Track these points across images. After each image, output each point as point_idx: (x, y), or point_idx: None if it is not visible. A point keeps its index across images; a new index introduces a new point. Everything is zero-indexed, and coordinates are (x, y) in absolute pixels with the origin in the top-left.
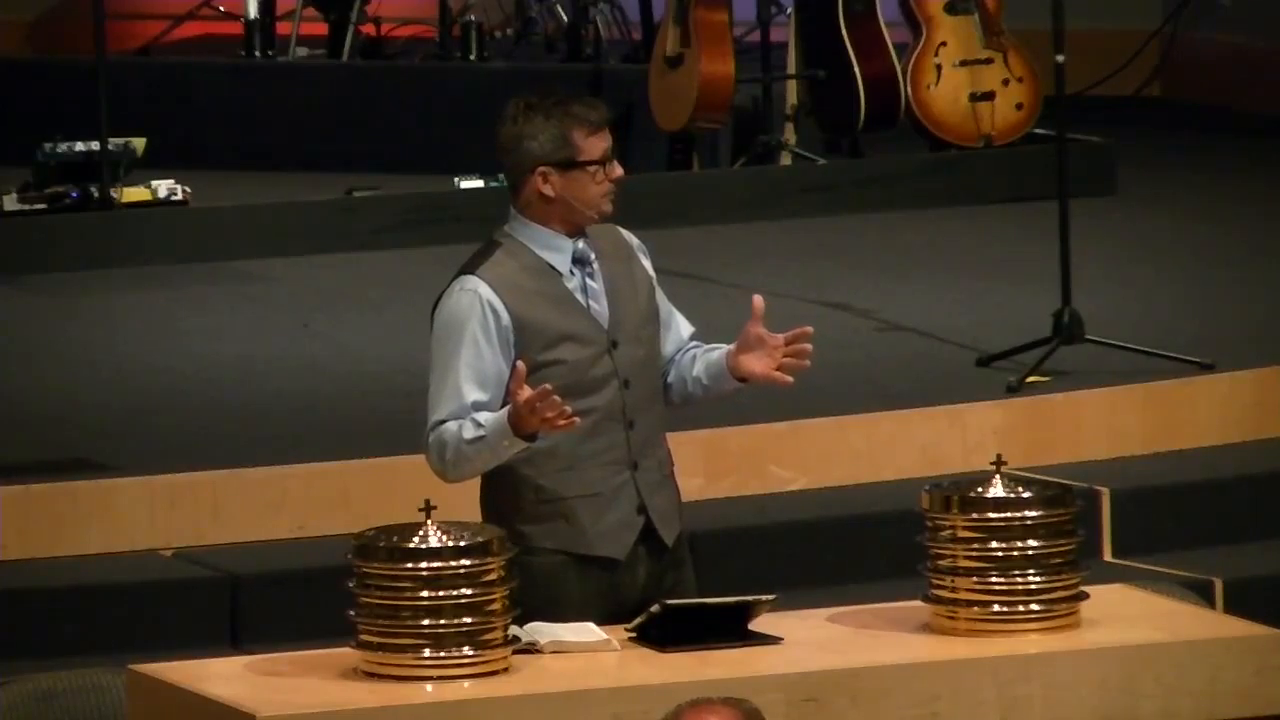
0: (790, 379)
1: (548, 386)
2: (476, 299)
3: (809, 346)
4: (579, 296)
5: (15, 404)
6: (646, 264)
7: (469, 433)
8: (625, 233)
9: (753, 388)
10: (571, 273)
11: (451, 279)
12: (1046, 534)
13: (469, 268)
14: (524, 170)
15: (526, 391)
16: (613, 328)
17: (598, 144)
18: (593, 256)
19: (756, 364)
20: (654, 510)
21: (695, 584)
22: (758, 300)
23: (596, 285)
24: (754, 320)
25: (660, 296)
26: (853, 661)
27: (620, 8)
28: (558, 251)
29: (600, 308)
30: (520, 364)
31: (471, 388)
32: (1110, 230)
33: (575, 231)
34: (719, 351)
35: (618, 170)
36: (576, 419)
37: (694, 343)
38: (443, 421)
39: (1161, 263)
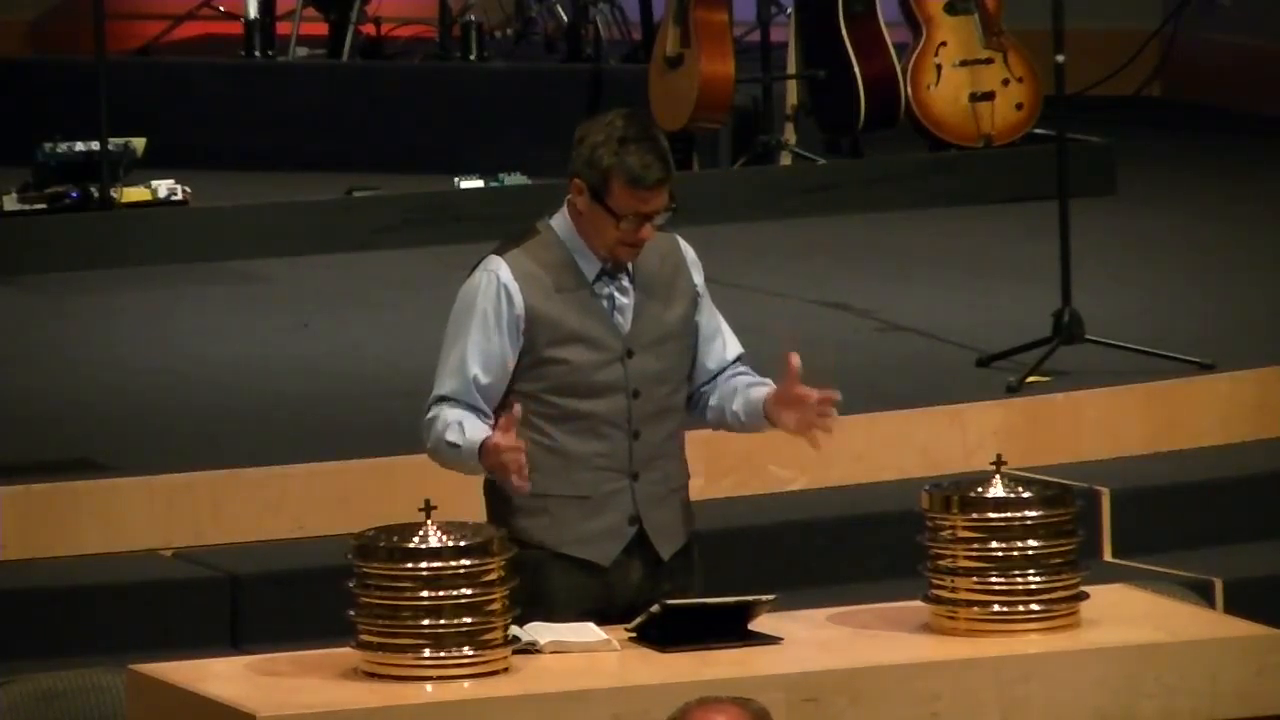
0: (820, 444)
1: (521, 444)
2: (495, 281)
3: (834, 412)
4: (602, 301)
5: (15, 404)
6: (697, 278)
7: (451, 435)
8: (683, 243)
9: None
10: (599, 278)
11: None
12: (1046, 534)
13: (500, 249)
14: (572, 169)
15: (505, 437)
16: (631, 336)
17: (630, 200)
18: (625, 271)
19: (791, 420)
20: (650, 523)
21: (701, 591)
22: (794, 360)
23: (625, 292)
24: (791, 380)
25: (707, 311)
26: (853, 661)
27: (620, 8)
28: (586, 259)
29: (623, 315)
30: (517, 407)
31: (476, 367)
32: (1110, 230)
33: (609, 258)
34: (759, 391)
35: (643, 234)
36: (527, 486)
37: (740, 367)
38: (443, 399)
39: (1161, 263)
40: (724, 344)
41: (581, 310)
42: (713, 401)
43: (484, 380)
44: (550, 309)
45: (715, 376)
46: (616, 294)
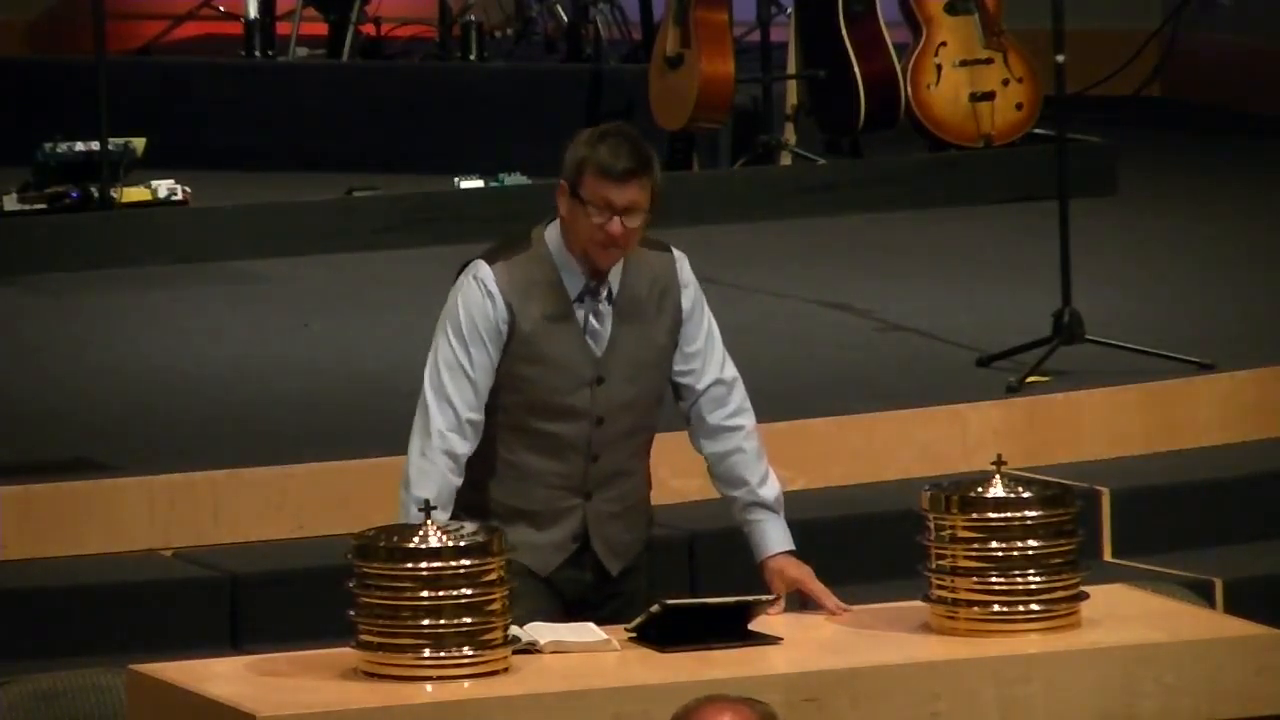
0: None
1: None
2: (481, 286)
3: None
4: (581, 325)
5: (15, 404)
6: (685, 302)
7: (418, 519)
8: (679, 263)
9: (756, 390)
10: (581, 299)
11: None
12: (1046, 534)
13: (489, 256)
14: (560, 174)
15: None
16: (604, 363)
17: (601, 190)
18: (607, 291)
19: (783, 589)
20: (599, 540)
21: (643, 588)
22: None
23: (604, 318)
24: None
25: (697, 331)
26: (853, 661)
27: (620, 8)
28: (572, 275)
29: (598, 342)
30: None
31: (460, 401)
32: (1110, 230)
33: (588, 265)
34: (764, 535)
35: (614, 227)
36: None
37: (737, 421)
38: (440, 439)
39: (1161, 263)
40: (705, 368)
41: (558, 332)
42: (700, 443)
43: (474, 417)
44: (528, 325)
45: (695, 402)
46: (593, 319)
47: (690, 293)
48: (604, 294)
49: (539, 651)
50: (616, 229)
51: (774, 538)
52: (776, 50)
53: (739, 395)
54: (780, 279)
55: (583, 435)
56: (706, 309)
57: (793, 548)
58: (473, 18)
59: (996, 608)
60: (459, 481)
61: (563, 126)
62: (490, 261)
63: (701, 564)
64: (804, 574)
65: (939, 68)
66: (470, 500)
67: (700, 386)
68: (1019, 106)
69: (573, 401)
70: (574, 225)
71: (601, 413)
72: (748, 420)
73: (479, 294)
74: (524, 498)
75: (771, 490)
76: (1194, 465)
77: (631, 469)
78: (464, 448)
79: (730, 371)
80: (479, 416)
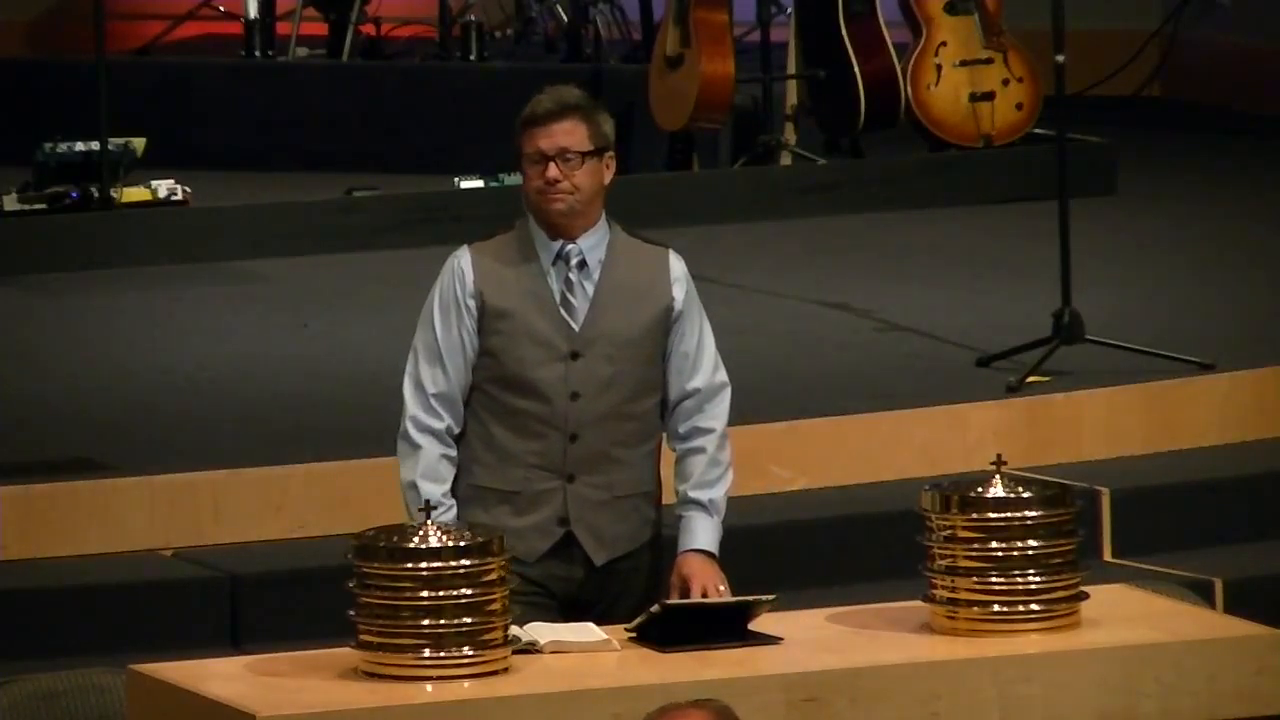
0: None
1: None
2: (454, 265)
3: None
4: (553, 296)
5: (15, 404)
6: (676, 294)
7: (417, 502)
8: (673, 260)
9: (755, 390)
10: (554, 263)
11: None
12: (1046, 534)
13: (473, 241)
14: None
15: None
16: (579, 338)
17: (529, 139)
18: (577, 260)
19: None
20: (583, 527)
21: (643, 596)
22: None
23: (582, 292)
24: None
25: (683, 332)
26: (853, 661)
27: (620, 8)
28: (544, 248)
29: (573, 316)
30: None
31: (435, 381)
32: (1110, 230)
33: (553, 231)
34: (686, 530)
35: (550, 172)
36: None
37: (699, 427)
38: (413, 422)
39: (1161, 263)
40: (687, 371)
41: (530, 305)
42: (676, 448)
43: (443, 388)
44: (499, 299)
45: (677, 405)
46: (569, 293)
47: (683, 288)
48: (575, 260)
49: (539, 651)
50: (553, 173)
51: (694, 535)
52: (776, 50)
53: (722, 402)
54: (780, 279)
55: (559, 412)
56: (703, 314)
57: (709, 549)
58: (473, 18)
59: (996, 608)
60: (449, 452)
61: None
62: (470, 243)
63: None
64: (700, 575)
65: (939, 68)
66: (463, 487)
67: (688, 388)
68: (1019, 106)
69: (545, 375)
70: (525, 188)
71: (577, 388)
72: (719, 424)
73: (451, 273)
74: (503, 478)
75: (713, 493)
76: (1194, 465)
77: (622, 458)
78: (440, 423)
79: (720, 378)
80: (451, 391)
